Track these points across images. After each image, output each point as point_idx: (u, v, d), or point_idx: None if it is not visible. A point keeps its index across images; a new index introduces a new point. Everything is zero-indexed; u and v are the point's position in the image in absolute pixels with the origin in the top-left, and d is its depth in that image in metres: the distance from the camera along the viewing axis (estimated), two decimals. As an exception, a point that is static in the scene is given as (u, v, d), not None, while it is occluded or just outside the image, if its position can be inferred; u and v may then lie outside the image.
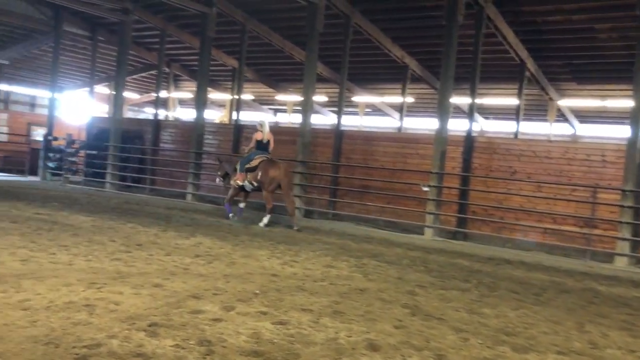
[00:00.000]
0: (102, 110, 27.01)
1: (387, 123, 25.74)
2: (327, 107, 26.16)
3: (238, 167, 12.45)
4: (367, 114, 25.52)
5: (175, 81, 27.25)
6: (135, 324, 4.18)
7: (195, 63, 22.15)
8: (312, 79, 14.36)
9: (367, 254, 8.78)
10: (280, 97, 25.48)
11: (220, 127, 18.41)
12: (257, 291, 5.59)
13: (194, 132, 16.30)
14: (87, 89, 23.69)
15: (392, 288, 6.36)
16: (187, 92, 27.78)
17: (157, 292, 5.22)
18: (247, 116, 26.67)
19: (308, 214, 14.31)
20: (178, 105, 28.87)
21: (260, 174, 11.83)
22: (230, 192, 12.56)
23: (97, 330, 3.96)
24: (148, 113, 30.56)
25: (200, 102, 16.34)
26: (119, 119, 17.96)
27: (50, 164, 19.64)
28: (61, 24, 20.03)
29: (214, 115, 28.13)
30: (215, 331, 4.20)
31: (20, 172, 21.00)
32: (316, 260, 7.81)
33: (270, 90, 25.49)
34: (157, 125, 18.74)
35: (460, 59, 13.31)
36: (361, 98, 23.58)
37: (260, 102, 27.89)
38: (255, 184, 11.97)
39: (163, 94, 23.62)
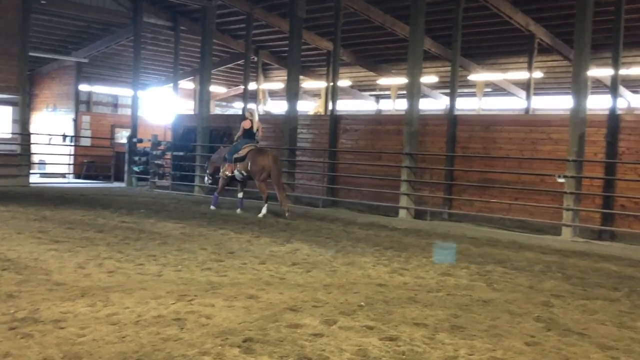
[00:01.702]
0: (188, 107, 28.37)
1: (512, 104, 24.86)
2: (438, 89, 25.72)
3: (226, 157, 13.60)
4: (486, 94, 24.79)
5: (264, 71, 28.03)
6: (228, 339, 4.35)
7: (285, 49, 22.63)
8: (418, 58, 14.20)
9: (491, 260, 8.59)
10: (383, 80, 25.40)
11: (315, 120, 18.72)
12: (362, 303, 5.62)
13: (287, 126, 16.69)
14: (170, 84, 24.99)
15: (522, 299, 6.14)
16: (277, 83, 28.47)
17: (251, 304, 5.39)
18: (344, 105, 26.88)
19: (419, 215, 14.19)
20: (268, 98, 29.68)
21: (249, 163, 13.00)
22: (220, 182, 13.90)
23: (188, 347, 4.16)
24: (237, 108, 31.63)
25: (291, 92, 16.70)
26: (205, 116, 18.81)
27: (136, 168, 20.94)
28: (140, 15, 21.30)
29: (307, 107, 28.61)
30: (315, 347, 4.27)
31: (106, 178, 22.58)
32: (430, 268, 7.74)
33: (371, 73, 25.49)
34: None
35: (599, 22, 12.59)
36: (479, 76, 22.95)
37: (360, 88, 27.97)
38: (245, 173, 13.21)
39: (252, 86, 24.35)
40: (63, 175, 23.04)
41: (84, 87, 25.27)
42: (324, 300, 5.68)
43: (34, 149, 20.85)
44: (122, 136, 24.74)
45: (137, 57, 21.56)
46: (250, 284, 6.29)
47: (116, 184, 21.11)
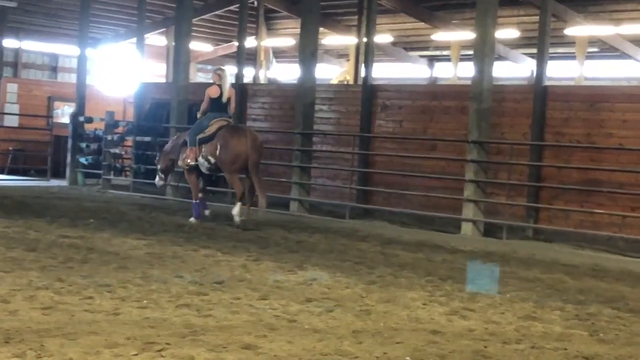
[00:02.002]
0: (158, 72, 28.51)
1: (628, 71, 24.63)
2: (521, 49, 25.56)
3: (187, 139, 13.61)
4: (590, 56, 24.59)
5: (267, 21, 28.04)
6: (214, 407, 4.38)
7: (299, -12, 22.66)
8: (492, 2, 14.13)
9: (597, 298, 8.52)
10: (439, 35, 25.30)
11: (340, 91, 18.72)
12: (408, 358, 5.61)
13: (299, 100, 16.72)
14: (133, 40, 25.10)
15: (643, 356, 6.11)
16: (286, 38, 28.47)
17: (248, 357, 5.39)
18: (384, 71, 26.83)
19: (490, 231, 14.12)
20: (273, 59, 29.72)
21: (219, 147, 13.05)
22: (190, 181, 13.95)
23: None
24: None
25: (307, 51, 16.72)
26: (183, 85, 18.86)
27: (83, 160, 21.08)
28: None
29: (330, 73, 28.60)
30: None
31: (40, 173, 22.76)
32: (507, 308, 7.71)
33: (422, 25, 25.40)
34: (241, 92, 19.40)
35: None
36: (579, 29, 22.76)
37: (406, 46, 27.90)
38: (213, 160, 13.24)
39: (249, 42, 24.36)
40: (-23, 168, 23.31)
41: (9, 43, 25.56)
42: (351, 353, 5.66)
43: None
44: (64, 113, 24.91)
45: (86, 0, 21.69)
46: (246, 328, 6.28)
47: (55, 182, 21.24)
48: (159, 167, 14.82)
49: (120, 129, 20.75)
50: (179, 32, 19.15)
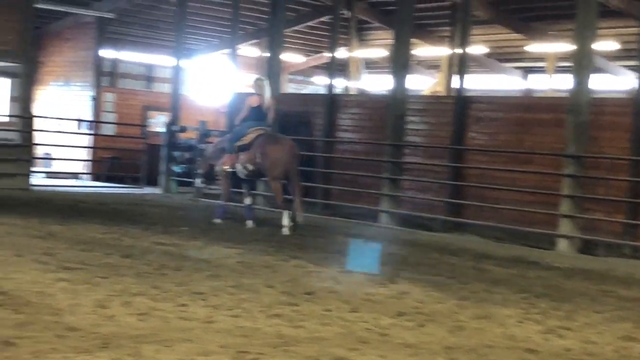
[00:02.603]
0: (250, 82, 28.79)
1: None
2: (620, 62, 24.99)
3: (226, 146, 14.15)
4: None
5: (359, 32, 28.09)
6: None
7: (391, 0, 22.67)
8: (591, 14, 13.88)
9: (700, 319, 8.25)
10: (534, 47, 24.93)
11: (432, 103, 18.61)
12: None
13: (390, 111, 16.68)
14: (226, 51, 25.49)
15: None
16: (377, 49, 28.48)
17: (339, 370, 5.41)
18: (477, 82, 26.56)
19: (588, 248, 13.83)
20: (364, 70, 29.75)
21: (257, 154, 13.55)
22: (222, 185, 14.56)
23: None
24: (318, 84, 31.87)
25: (399, 62, 16.69)
26: (275, 96, 19.01)
27: (177, 168, 21.46)
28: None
29: (421, 84, 28.47)
30: None
31: (134, 180, 23.26)
32: (605, 328, 7.54)
33: (516, 36, 25.09)
34: (332, 103, 19.54)
35: None
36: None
37: (500, 57, 27.59)
38: (251, 167, 13.77)
39: (341, 53, 24.45)
40: (76, 175, 23.91)
41: (107, 53, 26.15)
42: (445, 369, 5.62)
43: (37, 137, 21.66)
44: (158, 122, 25.40)
45: (182, 11, 22.10)
46: (338, 340, 6.28)
47: (149, 190, 21.68)
48: (199, 170, 15.33)
49: (212, 139, 21.02)
50: (272, 43, 19.36)
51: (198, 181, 15.49)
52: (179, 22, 22.24)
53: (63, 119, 23.70)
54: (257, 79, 14.80)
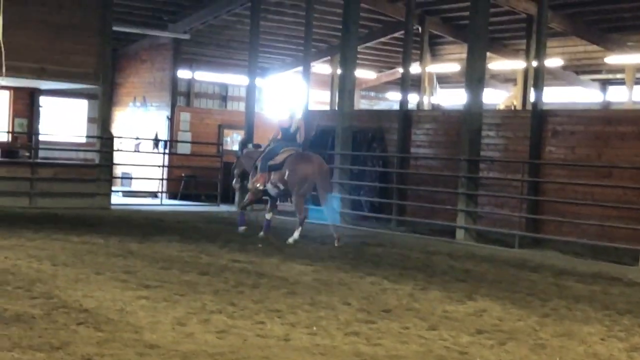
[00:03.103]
0: (322, 99, 28.96)
1: None
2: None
3: (259, 164, 14.75)
4: None
5: (432, 46, 27.98)
6: None
7: (464, 14, 22.44)
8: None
9: None
10: (613, 58, 24.46)
11: (508, 117, 18.40)
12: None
13: (465, 126, 16.53)
14: (299, 68, 25.63)
15: None
16: (451, 63, 28.32)
17: (419, 389, 5.35)
18: (554, 95, 26.17)
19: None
20: (437, 85, 29.61)
21: (287, 172, 14.23)
22: (248, 196, 15.42)
23: None
24: (390, 100, 31.83)
25: (474, 76, 16.53)
26: (348, 112, 19.07)
27: (251, 186, 21.62)
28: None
29: (496, 98, 28.18)
30: None
31: (210, 198, 23.52)
32: (694, 346, 7.30)
33: (594, 48, 24.65)
34: (405, 118, 19.55)
35: None
36: None
37: (577, 69, 27.12)
38: (282, 186, 14.45)
39: (414, 68, 24.36)
40: (154, 194, 24.29)
41: (183, 74, 26.54)
42: (528, 388, 5.52)
43: (116, 157, 22.09)
44: (233, 140, 25.67)
45: (255, 30, 22.31)
46: (416, 358, 6.25)
47: (224, 207, 21.93)
48: (235, 171, 16.10)
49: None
50: (344, 60, 19.39)
51: (234, 181, 16.36)
52: (253, 41, 22.45)
53: (140, 139, 24.13)
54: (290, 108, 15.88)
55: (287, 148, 14.61)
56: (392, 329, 7.32)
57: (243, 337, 6.66)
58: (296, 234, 14.12)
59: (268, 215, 14.96)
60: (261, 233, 14.69)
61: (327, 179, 14.64)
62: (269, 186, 14.55)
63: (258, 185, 14.68)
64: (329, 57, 28.22)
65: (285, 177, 14.26)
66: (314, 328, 7.14)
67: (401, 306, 8.53)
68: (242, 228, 15.25)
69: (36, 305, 7.47)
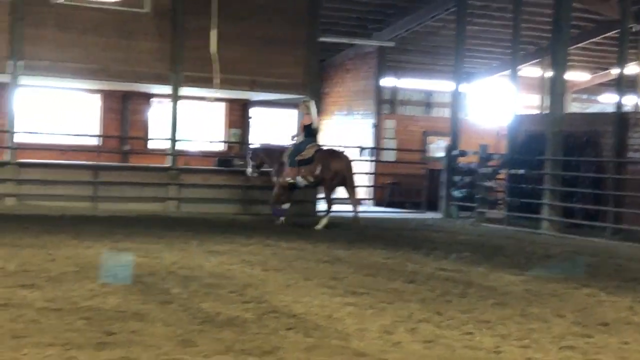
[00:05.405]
0: (531, 104, 28.24)
1: None
2: None
3: (287, 160, 16.40)
4: None
5: (649, 45, 26.67)
6: None
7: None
8: None
9: None
10: None
11: None
12: None
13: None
14: (505, 72, 25.12)
15: None
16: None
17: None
18: None
19: None
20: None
21: (320, 167, 15.98)
22: (275, 190, 16.90)
23: None
24: (604, 103, 30.61)
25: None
26: (559, 116, 18.45)
27: (457, 193, 21.40)
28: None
29: None
30: None
31: (415, 205, 23.49)
32: None
33: None
34: (622, 121, 18.79)
35: None
36: None
37: None
38: (312, 179, 16.26)
39: (630, 69, 23.22)
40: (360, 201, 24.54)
41: (386, 81, 26.73)
42: None
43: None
44: (437, 147, 25.55)
45: (461, 35, 22.10)
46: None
47: (429, 215, 21.87)
48: (252, 162, 17.67)
49: (493, 162, 20.79)
50: (555, 62, 18.82)
51: (250, 171, 17.80)
52: (458, 46, 22.25)
53: (347, 147, 24.46)
54: (304, 100, 17.35)
55: (312, 144, 16.48)
56: (610, 343, 6.94)
57: (451, 347, 6.52)
58: (324, 221, 16.20)
59: (286, 205, 17.00)
60: (281, 219, 16.82)
61: (352, 174, 16.49)
62: (298, 179, 16.38)
63: (289, 179, 16.47)
64: (539, 59, 27.57)
65: (317, 172, 16.10)
66: (526, 341, 6.88)
67: (620, 320, 8.07)
68: (281, 220, 16.95)
69: (248, 310, 7.66)
